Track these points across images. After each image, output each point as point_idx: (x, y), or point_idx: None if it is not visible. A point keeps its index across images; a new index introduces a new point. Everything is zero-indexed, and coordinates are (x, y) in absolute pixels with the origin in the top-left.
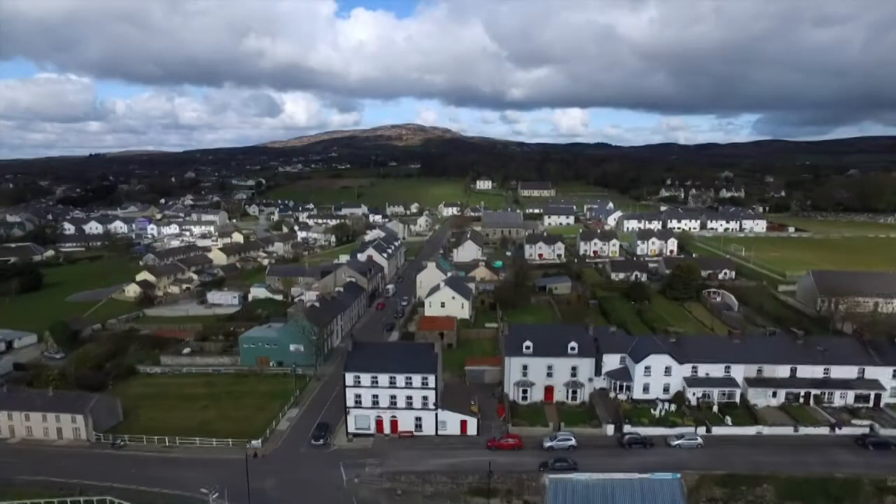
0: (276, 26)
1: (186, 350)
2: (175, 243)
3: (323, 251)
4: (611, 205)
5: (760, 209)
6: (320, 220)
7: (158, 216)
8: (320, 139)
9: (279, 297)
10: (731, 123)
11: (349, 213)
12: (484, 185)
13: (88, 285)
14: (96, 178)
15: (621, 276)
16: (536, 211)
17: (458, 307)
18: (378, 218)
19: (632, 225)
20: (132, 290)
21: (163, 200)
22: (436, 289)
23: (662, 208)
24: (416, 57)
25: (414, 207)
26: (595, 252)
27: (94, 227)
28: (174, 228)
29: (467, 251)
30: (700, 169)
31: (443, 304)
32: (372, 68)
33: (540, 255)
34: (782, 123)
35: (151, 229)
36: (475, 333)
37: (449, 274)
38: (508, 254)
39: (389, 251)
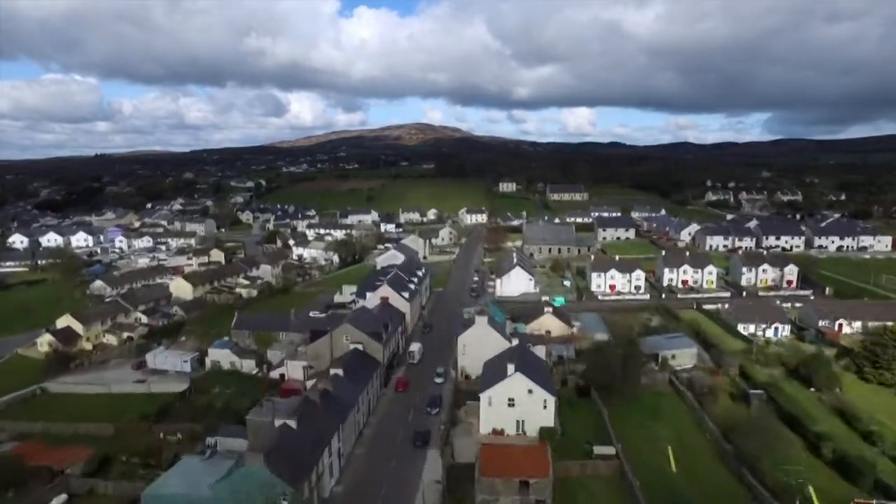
0: (278, 25)
1: (60, 499)
2: (143, 262)
3: (323, 275)
4: (663, 211)
5: (838, 216)
6: (322, 231)
7: (136, 224)
8: (328, 139)
9: (249, 364)
10: (741, 122)
11: (357, 221)
12: (507, 187)
13: (2, 327)
14: (87, 179)
15: (750, 328)
16: (579, 220)
17: (538, 407)
18: (391, 227)
19: (716, 242)
20: (46, 343)
21: (149, 205)
22: (498, 372)
23: (729, 217)
24: (419, 55)
25: (431, 214)
26: (685, 283)
27: (52, 240)
28: (147, 242)
29: (515, 282)
30: (729, 168)
31: (511, 402)
32: (375, 67)
33: (612, 287)
34: (794, 122)
35: (120, 242)
36: (577, 470)
37: (514, 341)
38: (566, 283)
39: (412, 286)
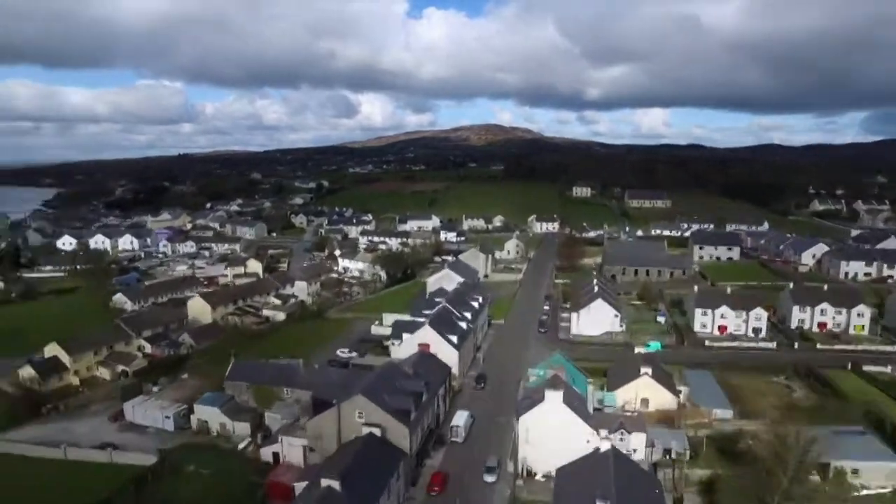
0: (348, 27)
1: None
2: (181, 270)
3: (367, 294)
4: (766, 224)
5: None
6: (377, 238)
7: (189, 226)
8: (398, 139)
9: (243, 429)
10: (833, 122)
11: (416, 228)
12: (581, 191)
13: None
14: (163, 178)
15: None
16: (666, 233)
17: None
18: (451, 236)
19: (853, 269)
20: (26, 376)
21: (209, 205)
22: (580, 501)
23: (855, 233)
24: (488, 56)
25: (497, 221)
26: (823, 327)
27: (99, 242)
28: (190, 247)
29: (596, 318)
30: (823, 172)
31: None
32: (444, 68)
33: (721, 329)
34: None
35: (164, 247)
36: None
37: (603, 438)
38: (660, 319)
39: (464, 324)
